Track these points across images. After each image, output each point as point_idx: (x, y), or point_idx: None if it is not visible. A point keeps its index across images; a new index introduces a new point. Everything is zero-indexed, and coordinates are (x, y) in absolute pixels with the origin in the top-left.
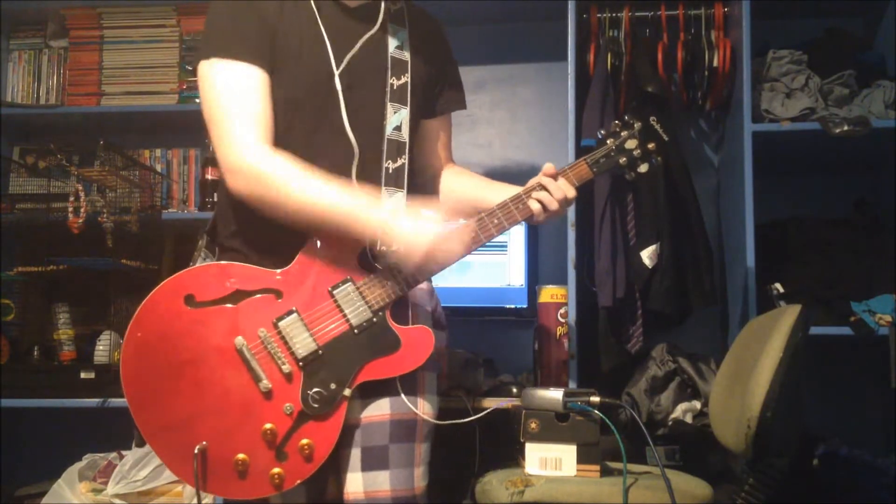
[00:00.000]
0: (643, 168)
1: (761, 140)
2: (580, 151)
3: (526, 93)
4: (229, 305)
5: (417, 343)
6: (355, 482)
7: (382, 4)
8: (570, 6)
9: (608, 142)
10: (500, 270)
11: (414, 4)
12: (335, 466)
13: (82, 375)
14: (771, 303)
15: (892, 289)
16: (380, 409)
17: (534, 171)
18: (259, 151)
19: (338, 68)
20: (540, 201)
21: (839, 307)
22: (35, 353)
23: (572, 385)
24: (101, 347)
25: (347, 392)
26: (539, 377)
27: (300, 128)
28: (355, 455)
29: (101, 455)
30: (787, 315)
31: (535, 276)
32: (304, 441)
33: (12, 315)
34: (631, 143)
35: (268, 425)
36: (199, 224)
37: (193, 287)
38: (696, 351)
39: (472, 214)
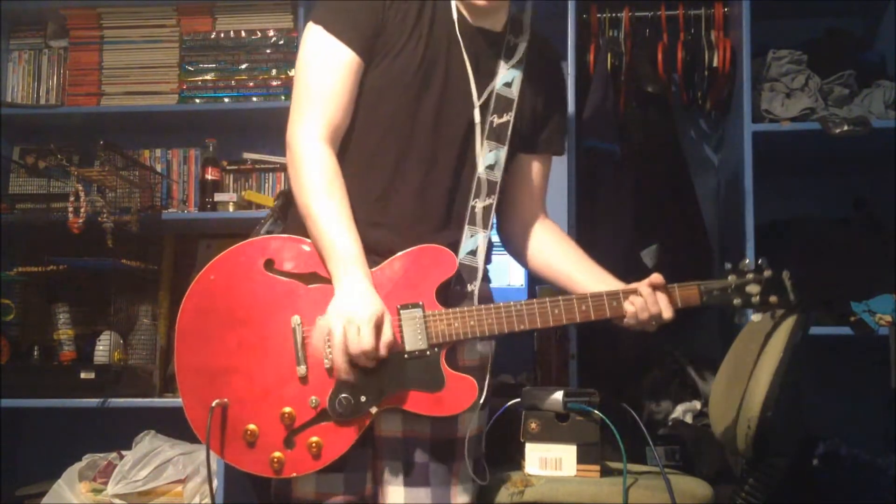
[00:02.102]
0: (755, 317)
1: (761, 140)
2: (580, 152)
3: None
4: (302, 284)
5: (460, 393)
6: (397, 495)
7: (514, 39)
8: (570, 6)
9: (729, 277)
10: (501, 270)
11: (540, 36)
12: (375, 473)
13: (82, 375)
14: None
15: (892, 289)
16: (421, 426)
17: None
18: (312, 141)
19: (478, 99)
20: (633, 305)
21: (839, 307)
22: (35, 353)
23: (572, 385)
24: (101, 347)
25: (374, 410)
26: (539, 377)
27: (415, 153)
28: (396, 467)
29: (101, 455)
30: (788, 316)
31: (536, 276)
32: (315, 438)
33: (12, 315)
34: (752, 288)
35: (288, 409)
36: (200, 224)
37: (277, 254)
38: (696, 351)
39: (554, 281)
